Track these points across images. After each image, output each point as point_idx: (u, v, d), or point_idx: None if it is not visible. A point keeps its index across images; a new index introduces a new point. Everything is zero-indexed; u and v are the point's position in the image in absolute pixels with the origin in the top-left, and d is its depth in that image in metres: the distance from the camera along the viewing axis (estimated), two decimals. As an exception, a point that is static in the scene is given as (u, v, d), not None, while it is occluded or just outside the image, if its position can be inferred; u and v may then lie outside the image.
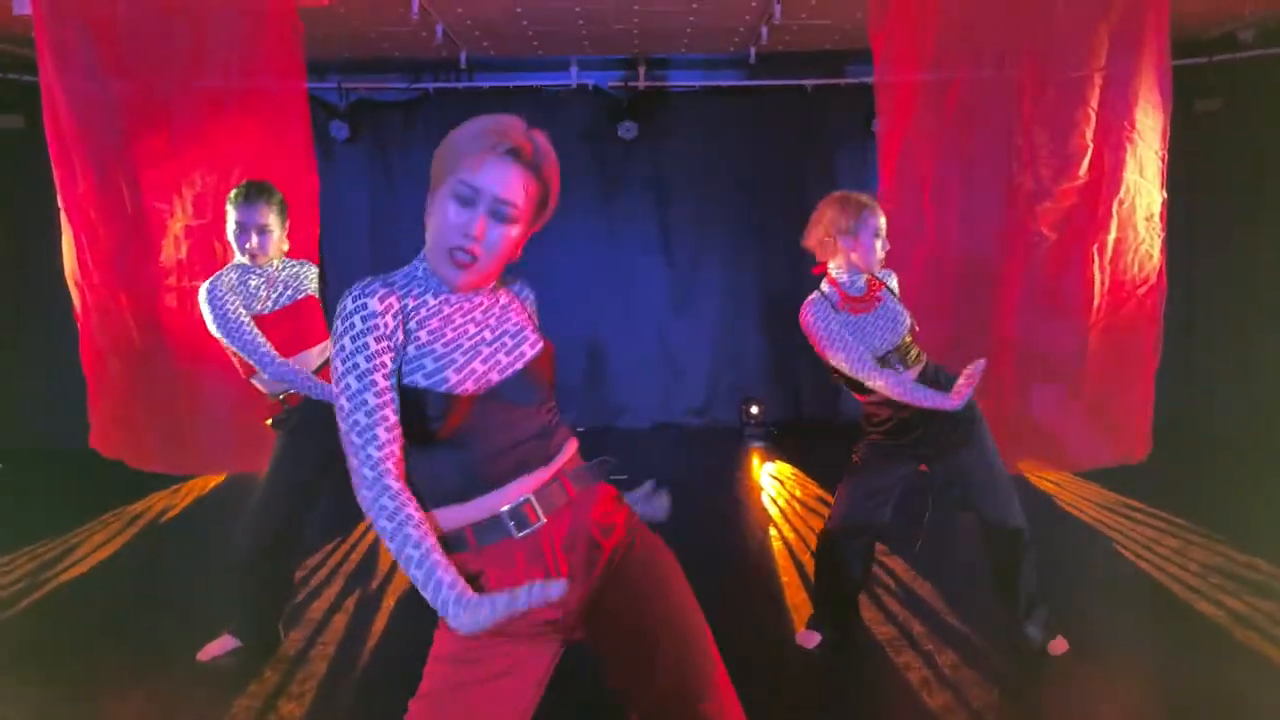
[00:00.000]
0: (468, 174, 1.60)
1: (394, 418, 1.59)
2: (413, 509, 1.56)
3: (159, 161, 3.88)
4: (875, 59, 4.16)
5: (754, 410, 7.31)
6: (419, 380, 1.60)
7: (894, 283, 3.36)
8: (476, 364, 1.64)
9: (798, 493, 5.62)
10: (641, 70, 7.23)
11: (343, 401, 1.58)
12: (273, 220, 3.15)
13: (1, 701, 3.08)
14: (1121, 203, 3.98)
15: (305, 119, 3.95)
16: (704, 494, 5.57)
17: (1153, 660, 3.34)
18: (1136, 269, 4.02)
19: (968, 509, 3.27)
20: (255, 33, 3.89)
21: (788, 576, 4.17)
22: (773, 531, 4.83)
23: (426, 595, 1.52)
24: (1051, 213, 4.02)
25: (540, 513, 1.65)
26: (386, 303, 1.60)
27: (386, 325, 1.59)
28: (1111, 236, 4.00)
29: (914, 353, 3.21)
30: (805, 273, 7.84)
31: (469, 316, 1.68)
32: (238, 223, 3.13)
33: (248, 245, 3.13)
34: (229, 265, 3.18)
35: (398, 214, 7.25)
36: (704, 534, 4.73)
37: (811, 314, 3.19)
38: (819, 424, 7.40)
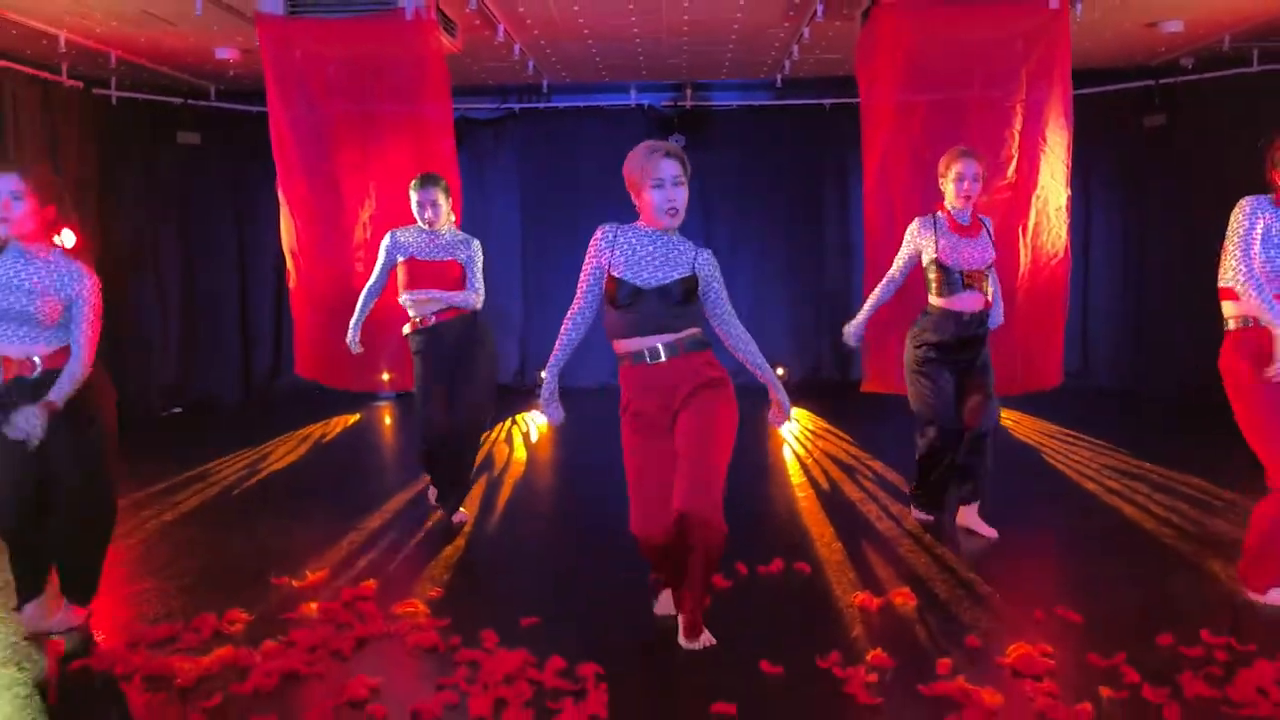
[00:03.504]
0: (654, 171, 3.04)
1: (586, 291, 3.15)
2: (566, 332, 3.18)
3: (353, 171, 5.50)
4: (860, 89, 5.66)
5: (779, 372, 8.82)
6: (618, 273, 3.10)
7: (989, 225, 4.41)
8: (645, 272, 3.11)
9: (810, 427, 7.16)
10: (688, 92, 8.81)
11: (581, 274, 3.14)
12: (440, 198, 4.56)
13: (240, 538, 4.62)
14: (1038, 198, 5.44)
15: (451, 135, 5.54)
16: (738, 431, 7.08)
17: (1041, 511, 4.84)
18: (1050, 247, 5.47)
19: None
20: (419, 72, 5.48)
21: (794, 468, 5.72)
22: (785, 446, 6.39)
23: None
24: (989, 205, 5.49)
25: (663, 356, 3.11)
26: (604, 234, 3.13)
27: (596, 246, 3.13)
28: (1031, 222, 5.46)
29: (985, 285, 4.24)
30: (825, 259, 9.33)
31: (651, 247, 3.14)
32: (417, 201, 4.56)
33: (425, 216, 4.56)
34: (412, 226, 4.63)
35: (489, 210, 8.87)
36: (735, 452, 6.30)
37: (915, 222, 4.30)
38: (833, 384, 8.91)
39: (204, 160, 8.31)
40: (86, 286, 3.31)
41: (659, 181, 3.03)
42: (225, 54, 6.86)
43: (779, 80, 8.45)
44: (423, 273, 4.59)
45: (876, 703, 2.75)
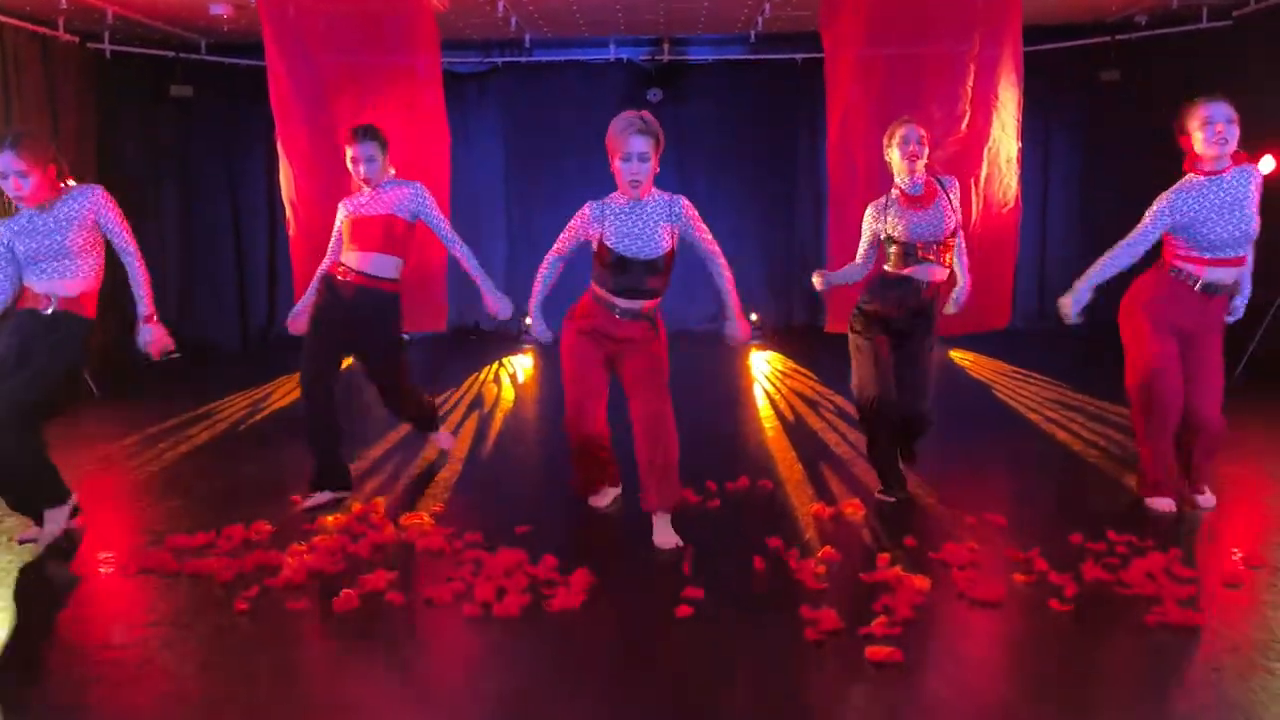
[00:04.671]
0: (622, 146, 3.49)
1: (566, 251, 3.68)
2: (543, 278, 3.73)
3: (350, 119, 5.81)
4: (825, 48, 6.02)
5: (753, 318, 9.28)
6: (609, 243, 3.57)
7: (954, 191, 4.20)
8: (634, 246, 3.58)
9: (780, 368, 7.61)
10: (666, 46, 9.11)
11: (562, 234, 3.70)
12: (377, 152, 4.16)
13: (252, 465, 5.04)
14: (989, 149, 5.84)
15: (440, 89, 5.86)
16: (715, 372, 7.54)
17: (983, 438, 5.32)
18: (1001, 195, 5.89)
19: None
20: (409, 29, 5.80)
21: (762, 403, 6.18)
22: (755, 384, 6.84)
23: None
24: (943, 157, 5.89)
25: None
26: (591, 210, 3.61)
27: (583, 220, 3.62)
28: (983, 173, 5.87)
29: (946, 257, 4.07)
30: (797, 208, 9.71)
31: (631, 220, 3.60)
32: (351, 156, 4.17)
33: (360, 172, 4.18)
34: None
35: (474, 159, 9.19)
36: (711, 389, 6.75)
37: (869, 208, 4.22)
38: (803, 328, 9.35)
39: (197, 113, 8.57)
40: (98, 197, 3.70)
41: (627, 155, 3.50)
42: (219, 10, 7.10)
43: (753, 35, 8.76)
44: (363, 230, 4.22)
45: (823, 587, 3.21)
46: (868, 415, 4.15)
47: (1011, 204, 5.92)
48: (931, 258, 4.09)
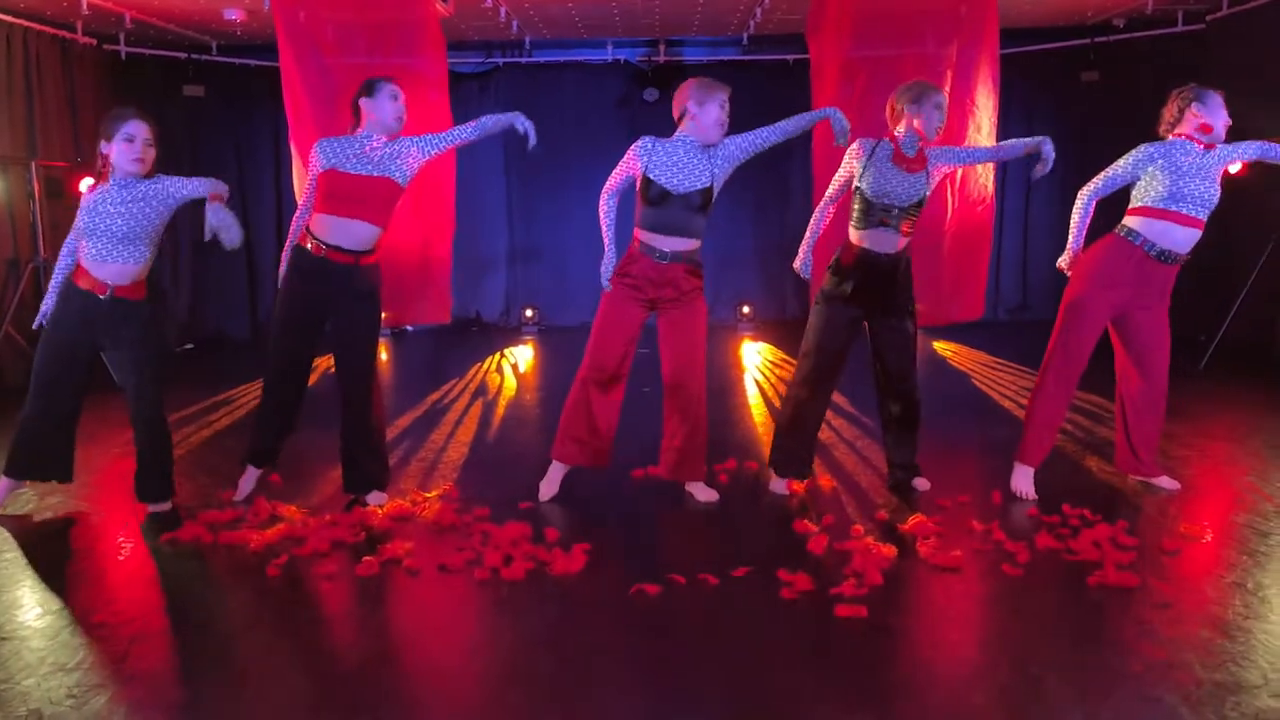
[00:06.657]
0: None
1: (619, 187, 3.99)
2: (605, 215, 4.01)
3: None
4: (810, 53, 6.33)
5: (745, 310, 9.61)
6: (653, 175, 3.89)
7: (936, 174, 4.12)
8: (676, 179, 3.90)
9: (771, 359, 7.94)
10: (661, 48, 9.42)
11: (614, 173, 3.99)
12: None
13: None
14: (966, 151, 6.16)
15: (446, 91, 6.17)
16: (710, 364, 7.85)
17: (957, 422, 5.64)
18: (976, 194, 6.21)
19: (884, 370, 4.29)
20: (416, 34, 6.11)
21: (751, 391, 6.50)
22: (746, 374, 7.17)
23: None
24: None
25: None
26: (637, 143, 3.95)
27: (632, 154, 3.95)
28: (959, 174, 6.19)
29: (908, 224, 4.03)
30: (789, 205, 10.04)
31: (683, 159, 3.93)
32: (392, 109, 3.97)
33: (397, 120, 3.99)
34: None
35: (475, 157, 9.47)
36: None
37: (856, 143, 4.11)
38: (796, 321, 9.67)
39: (208, 112, 8.88)
40: (157, 183, 3.95)
41: (722, 103, 3.94)
42: (232, 15, 7.41)
43: (745, 38, 9.08)
44: (346, 189, 3.90)
45: (815, 534, 3.57)
46: (795, 386, 4.24)
47: (987, 201, 6.25)
48: (891, 223, 3.99)
